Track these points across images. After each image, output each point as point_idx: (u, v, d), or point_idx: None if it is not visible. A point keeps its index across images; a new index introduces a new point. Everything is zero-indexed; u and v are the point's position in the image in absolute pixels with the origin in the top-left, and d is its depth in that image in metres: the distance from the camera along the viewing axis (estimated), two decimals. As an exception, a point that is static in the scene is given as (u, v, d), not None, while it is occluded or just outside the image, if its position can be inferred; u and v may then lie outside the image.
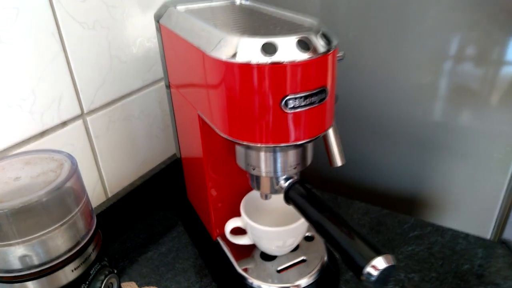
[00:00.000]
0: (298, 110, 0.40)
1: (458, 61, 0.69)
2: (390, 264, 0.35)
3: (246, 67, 0.38)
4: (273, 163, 0.46)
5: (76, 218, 0.41)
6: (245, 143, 0.42)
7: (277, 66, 0.37)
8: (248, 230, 0.55)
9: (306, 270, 0.55)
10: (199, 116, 0.53)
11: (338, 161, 0.55)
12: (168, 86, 0.64)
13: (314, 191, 0.45)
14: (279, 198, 0.58)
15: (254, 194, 0.59)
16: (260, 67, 0.37)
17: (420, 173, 0.81)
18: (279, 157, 0.46)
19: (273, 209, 0.61)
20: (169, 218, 0.74)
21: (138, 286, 0.60)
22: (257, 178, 0.50)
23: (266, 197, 0.52)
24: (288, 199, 0.47)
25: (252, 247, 0.59)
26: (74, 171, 0.41)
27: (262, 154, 0.46)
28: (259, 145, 0.42)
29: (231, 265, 0.58)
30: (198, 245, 0.67)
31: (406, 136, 0.80)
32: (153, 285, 0.60)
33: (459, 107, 0.72)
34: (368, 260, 0.36)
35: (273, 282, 0.54)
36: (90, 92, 0.64)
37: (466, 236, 0.67)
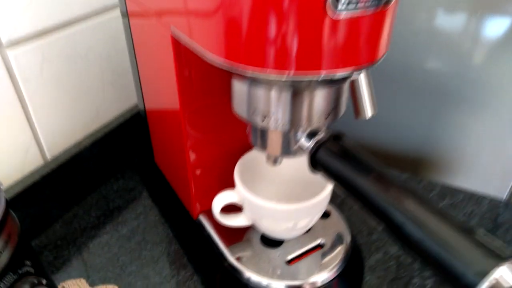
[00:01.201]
0: (354, 13, 0.23)
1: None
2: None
3: None
4: (294, 110, 0.29)
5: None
6: (252, 73, 0.25)
7: None
8: (246, 208, 0.39)
9: (325, 259, 0.40)
10: (173, 40, 0.34)
11: (369, 110, 0.39)
12: (125, 14, 0.45)
13: (359, 152, 0.29)
14: (289, 162, 0.42)
15: (252, 156, 0.43)
16: None
17: (431, 128, 0.68)
18: (306, 99, 0.29)
19: (278, 176, 0.45)
20: (131, 189, 0.56)
21: (90, 285, 0.43)
22: (265, 134, 0.33)
23: (275, 161, 0.36)
24: (316, 164, 0.30)
25: (248, 228, 0.44)
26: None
27: (278, 94, 0.29)
28: (275, 76, 0.25)
29: (219, 253, 0.42)
30: (173, 224, 0.51)
31: (417, 85, 0.65)
32: (111, 283, 0.44)
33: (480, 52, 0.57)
34: (483, 271, 0.20)
35: (280, 277, 0.39)
36: (10, 13, 0.44)
37: (506, 205, 0.54)
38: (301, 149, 0.32)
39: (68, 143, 0.54)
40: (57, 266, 0.46)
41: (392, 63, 0.66)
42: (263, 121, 0.30)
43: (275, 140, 0.33)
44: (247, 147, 0.43)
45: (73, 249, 0.48)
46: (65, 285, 0.43)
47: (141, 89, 0.51)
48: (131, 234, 0.50)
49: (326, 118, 0.31)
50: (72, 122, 0.54)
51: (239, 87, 0.30)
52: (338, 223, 0.44)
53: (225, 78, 0.39)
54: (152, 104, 0.49)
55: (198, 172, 0.43)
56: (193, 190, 0.44)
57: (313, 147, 0.30)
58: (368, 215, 0.27)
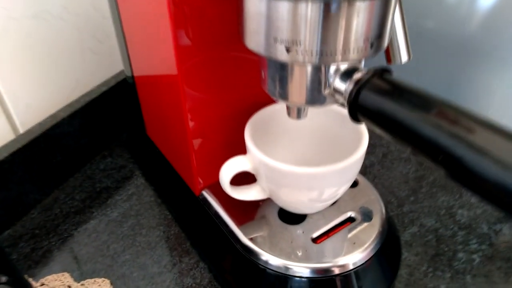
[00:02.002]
0: None
1: None
2: None
3: None
4: (327, 34, 0.22)
5: None
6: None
7: None
8: (262, 176, 0.32)
9: (357, 236, 0.33)
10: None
11: (404, 54, 0.32)
12: None
13: (412, 87, 0.22)
14: (311, 119, 0.35)
15: (266, 114, 0.35)
16: None
17: (455, 87, 0.61)
18: (343, 17, 0.21)
19: (298, 138, 0.38)
20: (121, 167, 0.49)
21: (75, 280, 0.36)
22: (287, 76, 0.25)
23: (299, 114, 0.29)
24: (359, 111, 0.23)
25: (262, 203, 0.36)
26: None
27: (308, 11, 0.21)
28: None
29: (229, 234, 0.35)
30: (171, 204, 0.43)
31: (441, 42, 0.58)
32: (101, 276, 0.36)
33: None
34: None
35: (304, 259, 0.32)
36: None
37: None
38: (335, 94, 0.25)
39: (44, 114, 0.46)
40: (35, 259, 0.38)
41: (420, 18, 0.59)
42: (288, 52, 0.23)
43: (300, 83, 0.25)
44: (257, 107, 0.35)
45: (54, 238, 0.40)
46: (45, 282, 0.36)
47: (127, 50, 0.43)
48: (122, 218, 0.42)
49: (367, 49, 0.23)
50: (48, 91, 0.46)
51: (254, 7, 0.23)
52: (368, 192, 0.37)
53: (226, 25, 0.31)
54: (141, 66, 0.41)
55: (199, 140, 0.36)
56: (195, 161, 0.37)
57: (354, 88, 0.23)
58: (437, 166, 0.20)
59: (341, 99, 0.24)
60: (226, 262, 0.36)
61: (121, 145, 0.52)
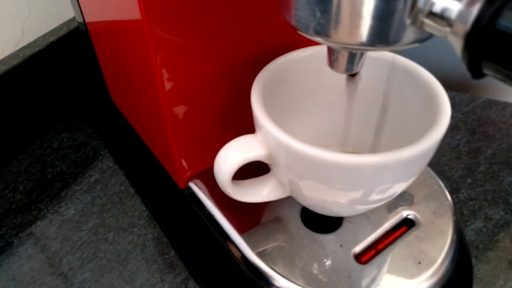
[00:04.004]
0: None
1: None
2: None
3: None
4: None
5: None
6: None
7: None
8: (281, 167, 0.20)
9: (423, 247, 0.23)
10: None
11: None
12: None
13: None
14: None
15: (282, 67, 0.23)
16: None
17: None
18: None
19: (329, 105, 0.26)
20: (81, 144, 0.37)
21: (11, 314, 0.25)
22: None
23: (350, 63, 0.16)
24: (491, 50, 0.11)
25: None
26: None
27: None
28: None
29: (229, 244, 0.24)
30: (149, 196, 0.32)
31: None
32: (47, 309, 0.26)
33: None
34: None
35: None
36: None
37: None
38: (434, 21, 0.13)
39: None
40: (-44, 282, 0.27)
41: None
42: None
43: (361, 3, 0.13)
44: (265, 58, 0.23)
45: (-14, 249, 0.29)
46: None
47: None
48: (81, 218, 0.31)
49: None
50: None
51: None
52: (427, 180, 0.26)
53: None
54: (93, 8, 0.28)
55: (180, 108, 0.24)
56: (174, 141, 0.25)
57: (484, 7, 0.11)
58: None
59: (446, 30, 0.13)
60: (223, 286, 0.25)
61: (81, 115, 0.40)
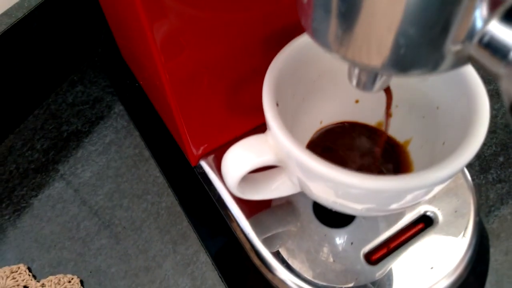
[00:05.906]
0: None
1: None
2: None
3: None
4: None
5: None
6: None
7: None
8: (294, 174, 0.19)
9: (439, 248, 0.22)
10: None
11: None
12: None
13: None
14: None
15: (300, 50, 0.21)
16: None
17: None
18: None
19: (351, 95, 0.24)
20: (96, 99, 0.36)
21: (34, 276, 0.27)
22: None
23: (371, 82, 0.14)
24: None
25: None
26: None
27: None
28: None
29: (238, 231, 0.24)
30: (163, 164, 0.32)
31: None
32: (68, 272, 0.27)
33: None
34: None
35: None
36: None
37: None
38: (484, 52, 0.11)
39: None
40: (-17, 241, 0.29)
41: None
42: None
43: (392, 19, 0.11)
44: (282, 38, 0.21)
45: (8, 210, 0.30)
46: (-5, 278, 0.27)
47: None
48: (97, 181, 0.31)
49: None
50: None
51: None
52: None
53: None
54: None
55: (185, 88, 0.22)
56: (181, 118, 0.24)
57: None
58: None
59: (495, 65, 0.10)
60: (233, 268, 0.25)
61: (95, 66, 0.38)
